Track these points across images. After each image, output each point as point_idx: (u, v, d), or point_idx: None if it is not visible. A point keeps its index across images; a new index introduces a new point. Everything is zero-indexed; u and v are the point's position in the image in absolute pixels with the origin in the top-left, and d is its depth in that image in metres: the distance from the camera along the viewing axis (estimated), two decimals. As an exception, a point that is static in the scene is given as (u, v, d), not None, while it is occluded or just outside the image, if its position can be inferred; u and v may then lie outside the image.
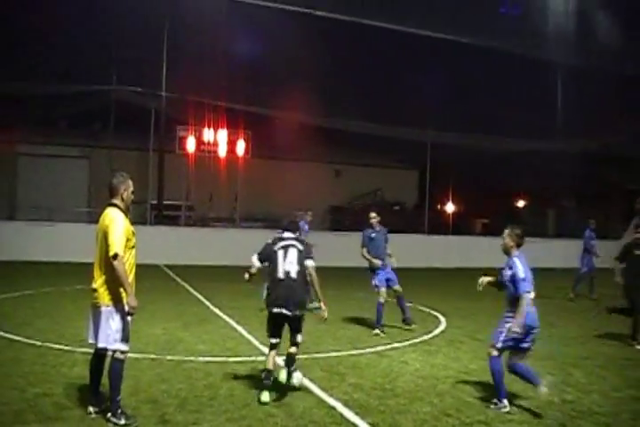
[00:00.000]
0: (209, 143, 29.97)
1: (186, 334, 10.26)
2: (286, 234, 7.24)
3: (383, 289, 11.47)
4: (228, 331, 10.76)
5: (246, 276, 7.05)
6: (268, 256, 7.01)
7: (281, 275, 6.90)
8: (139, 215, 28.54)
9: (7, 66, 25.88)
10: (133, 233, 6.07)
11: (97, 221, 6.14)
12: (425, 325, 12.14)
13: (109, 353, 6.01)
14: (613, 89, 32.07)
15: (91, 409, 6.08)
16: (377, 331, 11.10)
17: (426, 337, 10.80)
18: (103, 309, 5.92)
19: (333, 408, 6.54)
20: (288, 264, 6.94)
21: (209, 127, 29.82)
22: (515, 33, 30.21)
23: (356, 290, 18.13)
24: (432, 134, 33.60)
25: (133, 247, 6.07)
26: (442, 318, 13.06)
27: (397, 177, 46.98)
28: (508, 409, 6.66)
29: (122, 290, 5.88)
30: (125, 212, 6.11)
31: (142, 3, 26.46)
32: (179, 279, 19.14)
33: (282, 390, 7.08)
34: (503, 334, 6.77)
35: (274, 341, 7.18)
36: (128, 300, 5.85)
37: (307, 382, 7.47)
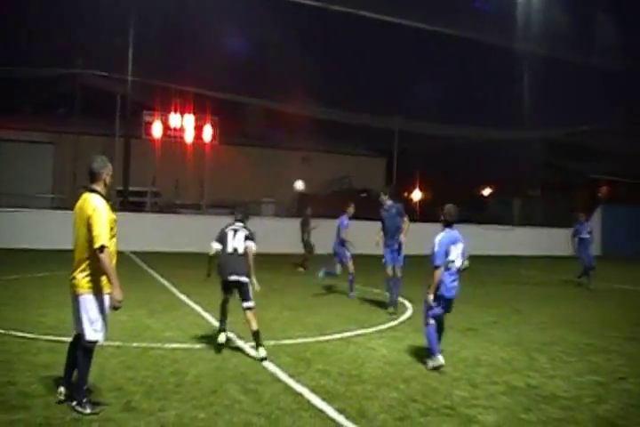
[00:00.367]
0: (175, 129, 29.71)
1: (152, 321, 10.17)
2: (237, 224, 8.79)
3: (389, 266, 12.09)
4: (194, 318, 10.69)
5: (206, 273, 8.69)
6: (220, 238, 8.51)
7: (230, 250, 8.34)
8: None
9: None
10: (115, 221, 5.94)
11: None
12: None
13: (81, 342, 5.92)
14: (578, 79, 32.43)
15: (61, 389, 5.99)
16: (391, 309, 11.92)
17: (393, 323, 10.84)
18: (80, 297, 5.80)
19: (300, 395, 6.53)
20: (236, 242, 8.41)
21: (176, 112, 29.54)
22: (482, 22, 30.35)
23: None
24: (399, 122, 33.68)
25: (114, 236, 5.93)
26: (408, 305, 13.13)
27: (365, 164, 47.11)
28: (442, 362, 7.57)
29: (101, 279, 5.78)
30: (107, 198, 5.96)
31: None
32: (145, 266, 18.97)
33: (248, 378, 7.07)
34: (426, 306, 7.96)
35: (224, 297, 8.65)
36: (114, 293, 5.74)
37: (273, 369, 7.46)
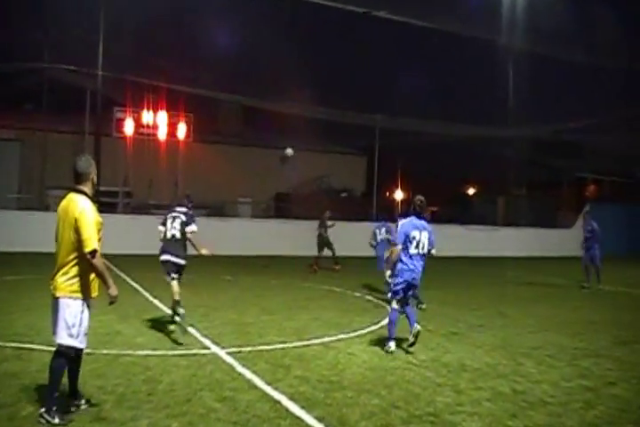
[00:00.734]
0: (148, 126, 29.51)
1: (123, 327, 10.08)
2: (178, 208, 10.33)
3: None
4: (168, 323, 10.60)
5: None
6: (164, 223, 10.19)
7: (169, 236, 10.00)
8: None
9: None
10: (101, 224, 5.96)
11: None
12: (373, 315, 12.17)
13: (59, 348, 5.84)
14: (565, 76, 32.66)
15: (73, 409, 5.96)
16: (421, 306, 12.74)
17: (374, 328, 10.82)
18: (60, 300, 5.79)
19: (278, 402, 6.49)
20: (173, 229, 10.01)
21: (148, 109, 29.35)
22: (465, 14, 30.47)
23: (302, 279, 18.11)
24: (381, 119, 33.70)
25: (99, 239, 5.93)
26: (389, 309, 13.10)
27: (345, 163, 47.13)
28: (393, 348, 8.80)
29: (83, 284, 5.82)
30: (94, 200, 6.01)
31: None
32: (116, 269, 18.81)
33: (224, 386, 7.02)
34: (390, 286, 9.08)
35: (169, 278, 9.97)
36: (109, 291, 5.87)
37: (250, 376, 7.40)
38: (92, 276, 5.92)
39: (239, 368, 7.72)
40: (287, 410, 6.26)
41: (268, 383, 7.13)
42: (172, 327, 9.60)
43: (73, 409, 6.00)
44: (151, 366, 7.73)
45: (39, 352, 8.06)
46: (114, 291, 5.93)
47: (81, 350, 6.00)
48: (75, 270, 5.79)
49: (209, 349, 8.75)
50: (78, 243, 5.71)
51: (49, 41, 28.47)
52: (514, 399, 6.90)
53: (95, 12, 27.23)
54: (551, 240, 33.21)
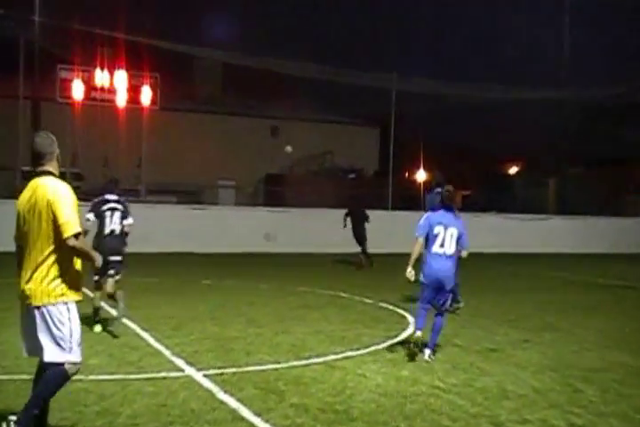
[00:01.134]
0: (102, 89, 29.36)
1: (72, 344, 10.04)
2: (109, 196, 11.21)
3: None
4: (129, 339, 10.58)
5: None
6: (98, 215, 11.07)
7: (107, 231, 11.04)
8: (3, 186, 27.94)
9: None
10: (78, 206, 6.06)
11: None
12: (387, 327, 12.14)
13: (59, 368, 5.95)
14: (633, 22, 32.47)
15: None
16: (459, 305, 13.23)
17: (390, 342, 10.79)
18: (42, 310, 5.85)
19: (270, 438, 6.48)
20: (113, 224, 11.07)
21: (102, 68, 29.19)
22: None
23: (298, 283, 18.09)
24: (397, 80, 33.58)
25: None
26: (410, 319, 13.08)
27: (353, 136, 47.15)
28: (418, 335, 9.67)
29: (68, 284, 5.94)
30: (67, 182, 6.11)
31: None
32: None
33: (201, 418, 6.99)
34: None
35: (97, 278, 10.99)
36: (95, 261, 6.16)
37: (235, 404, 7.38)
38: (76, 272, 6.03)
39: (221, 395, 7.68)
40: (281, 448, 6.24)
41: (258, 414, 7.10)
42: (97, 329, 10.92)
43: None
44: (108, 394, 7.70)
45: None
46: (98, 260, 6.22)
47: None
48: (55, 270, 5.87)
49: (182, 371, 8.72)
50: (56, 231, 5.81)
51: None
52: (569, 434, 6.88)
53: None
54: (617, 232, 33.16)
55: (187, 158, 41.39)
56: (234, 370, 8.75)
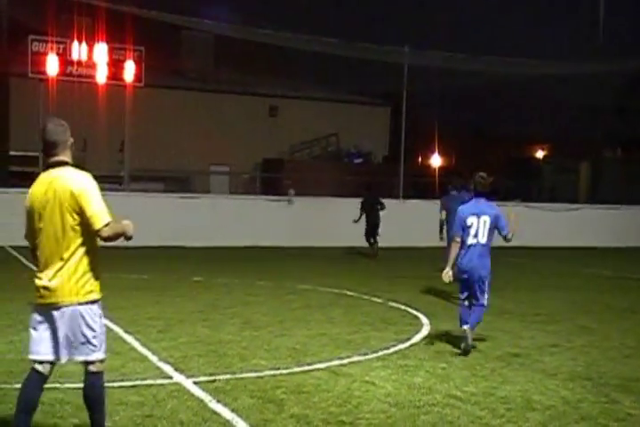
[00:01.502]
0: (80, 64, 29.24)
1: (47, 348, 10.05)
2: None
3: None
4: (111, 343, 10.52)
5: None
6: None
7: None
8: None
9: None
10: None
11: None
12: (399, 329, 12.16)
13: (89, 368, 6.26)
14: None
15: None
16: None
17: (401, 346, 10.81)
18: (73, 309, 6.01)
19: (267, 453, 6.49)
20: None
21: (80, 40, 29.09)
22: None
23: (299, 280, 18.11)
24: (410, 54, 33.48)
25: None
26: (424, 320, 13.11)
27: (360, 117, 47.03)
28: (465, 328, 10.21)
29: (95, 281, 6.11)
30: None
31: None
32: (35, 268, 18.82)
33: (191, 427, 7.00)
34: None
35: None
36: (129, 232, 6.13)
37: (229, 415, 7.39)
38: (99, 267, 6.19)
39: (213, 405, 7.70)
40: (280, 464, 6.25)
41: (254, 426, 7.11)
42: None
43: None
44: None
45: None
46: (130, 229, 6.18)
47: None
48: (83, 266, 6.03)
49: (170, 378, 8.73)
50: (84, 223, 5.96)
51: None
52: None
53: None
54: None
55: (175, 141, 41.35)
56: (227, 377, 8.75)
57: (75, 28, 28.98)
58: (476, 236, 10.26)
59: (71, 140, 6.26)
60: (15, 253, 21.74)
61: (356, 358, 9.98)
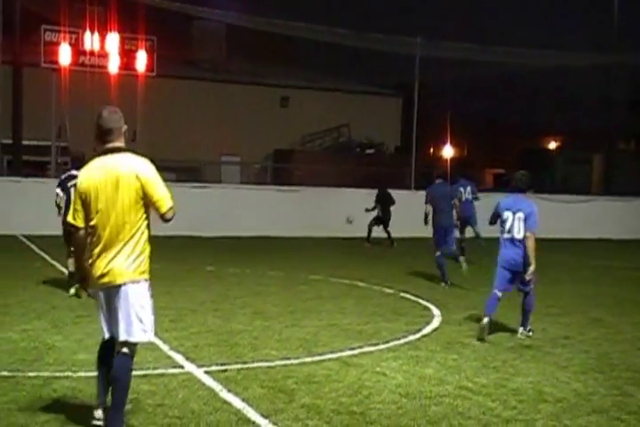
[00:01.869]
0: (92, 54, 29.25)
1: (58, 339, 10.08)
2: (74, 172, 12.77)
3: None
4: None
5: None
6: (64, 190, 13.14)
7: None
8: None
9: None
10: None
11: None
12: (410, 320, 12.16)
13: (122, 349, 6.44)
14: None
15: (98, 413, 6.59)
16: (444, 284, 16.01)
17: (412, 337, 10.80)
18: (129, 287, 6.31)
19: (279, 443, 6.49)
20: None
21: (92, 30, 29.09)
22: None
23: (310, 271, 18.10)
24: (422, 45, 33.39)
25: None
26: (435, 311, 13.10)
27: (371, 107, 47.00)
28: (485, 322, 10.60)
29: (148, 260, 6.46)
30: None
31: None
32: (47, 257, 18.87)
33: (202, 419, 7.00)
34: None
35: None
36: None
37: (240, 405, 7.39)
38: (149, 249, 6.50)
39: (224, 394, 7.70)
40: (291, 454, 6.25)
41: (265, 416, 7.11)
42: (72, 291, 12.41)
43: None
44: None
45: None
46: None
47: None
48: (140, 247, 6.37)
49: (181, 367, 8.74)
50: (146, 206, 6.35)
51: None
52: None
53: None
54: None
55: (187, 131, 41.40)
56: (238, 367, 8.77)
57: (87, 18, 28.99)
58: (510, 231, 10.66)
59: (125, 126, 6.56)
60: (27, 242, 21.78)
61: (366, 349, 9.98)
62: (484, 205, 29.76)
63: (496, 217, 10.92)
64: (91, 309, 12.11)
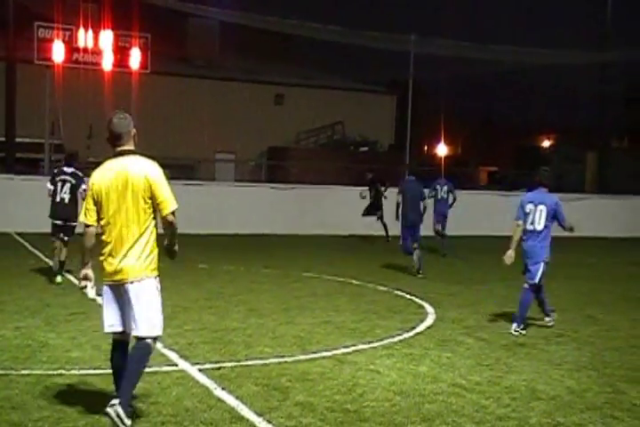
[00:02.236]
0: (86, 51, 29.20)
1: (52, 337, 10.07)
2: (65, 168, 14.80)
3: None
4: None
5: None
6: (53, 183, 14.61)
7: (58, 199, 14.52)
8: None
9: None
10: None
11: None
12: (404, 318, 12.17)
13: (137, 343, 6.75)
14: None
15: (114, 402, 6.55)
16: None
17: (406, 335, 10.82)
18: (141, 284, 6.66)
19: (272, 440, 6.49)
20: (63, 193, 14.52)
21: (86, 27, 29.04)
22: None
23: (304, 268, 18.10)
24: (417, 42, 33.40)
25: None
26: (429, 308, 13.11)
27: (366, 105, 47.00)
28: (515, 330, 11.02)
29: (157, 258, 6.80)
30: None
31: None
32: (40, 254, 18.84)
33: (196, 417, 7.00)
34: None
35: (53, 238, 14.81)
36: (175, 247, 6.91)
37: (234, 402, 7.39)
38: (158, 248, 6.87)
39: (218, 392, 7.71)
40: (285, 451, 6.26)
41: (259, 413, 7.12)
42: (58, 279, 14.32)
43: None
44: (92, 390, 7.73)
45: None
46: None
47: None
48: (150, 246, 6.73)
49: (175, 365, 8.75)
50: (153, 207, 6.69)
51: None
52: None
53: None
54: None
55: (181, 128, 41.38)
56: (232, 364, 8.78)
57: (81, 15, 28.95)
58: (532, 223, 11.21)
59: (134, 130, 6.84)
60: (21, 240, 21.75)
61: (361, 347, 9.99)
62: (480, 202, 29.94)
63: (521, 212, 11.31)
64: (85, 306, 12.15)
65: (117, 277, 6.65)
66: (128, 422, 6.35)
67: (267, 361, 9.06)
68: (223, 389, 7.81)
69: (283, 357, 9.30)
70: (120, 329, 6.82)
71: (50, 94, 28.91)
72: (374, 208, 25.11)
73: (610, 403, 7.95)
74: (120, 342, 6.94)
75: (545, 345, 10.53)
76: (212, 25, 45.89)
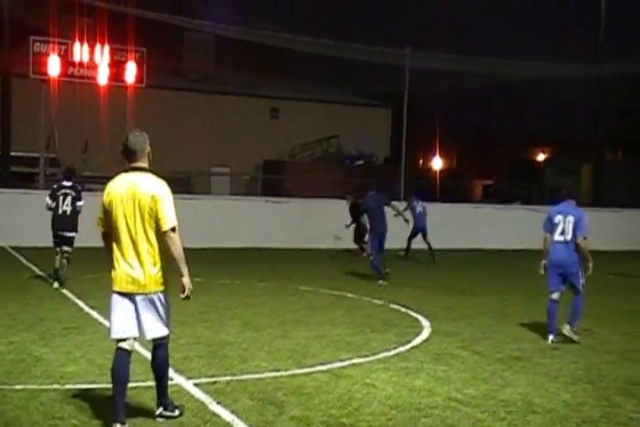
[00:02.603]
0: (82, 65, 29.21)
1: (46, 351, 10.05)
2: (65, 182, 15.62)
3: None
4: (111, 344, 10.55)
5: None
6: (54, 198, 15.41)
7: (60, 212, 15.39)
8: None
9: None
10: None
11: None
12: (400, 331, 12.16)
13: (158, 342, 7.27)
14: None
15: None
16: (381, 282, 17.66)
17: (402, 349, 10.81)
18: (156, 297, 7.07)
19: (268, 455, 6.47)
20: (65, 206, 15.42)
21: (82, 41, 29.07)
22: None
23: (299, 282, 18.09)
24: (412, 56, 33.49)
25: None
26: (424, 322, 13.09)
27: (361, 119, 47.09)
28: (551, 340, 11.49)
29: (166, 271, 7.12)
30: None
31: None
32: (34, 268, 18.83)
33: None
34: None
35: (59, 249, 15.75)
36: (184, 280, 7.24)
37: (229, 417, 7.38)
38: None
39: (213, 406, 7.70)
40: (280, 466, 6.24)
41: (254, 428, 7.11)
42: (55, 285, 15.46)
43: None
44: (87, 405, 7.70)
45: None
46: (189, 282, 7.28)
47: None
48: (159, 259, 7.06)
49: (170, 379, 8.69)
50: (157, 223, 6.97)
51: None
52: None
53: None
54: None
55: (176, 142, 41.37)
56: (228, 379, 8.77)
57: (76, 29, 28.96)
58: (562, 233, 11.57)
59: (148, 148, 7.20)
60: (15, 254, 21.73)
61: (356, 360, 9.97)
62: (476, 215, 29.96)
63: (549, 224, 11.71)
64: (79, 321, 12.15)
65: (130, 288, 6.96)
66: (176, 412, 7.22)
67: (262, 375, 9.05)
68: (218, 403, 7.80)
69: (278, 371, 9.29)
70: (128, 335, 7.06)
71: (45, 108, 28.94)
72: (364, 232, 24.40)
73: (606, 417, 7.93)
74: (125, 352, 7.14)
75: (540, 358, 10.52)
76: (208, 39, 46.05)
